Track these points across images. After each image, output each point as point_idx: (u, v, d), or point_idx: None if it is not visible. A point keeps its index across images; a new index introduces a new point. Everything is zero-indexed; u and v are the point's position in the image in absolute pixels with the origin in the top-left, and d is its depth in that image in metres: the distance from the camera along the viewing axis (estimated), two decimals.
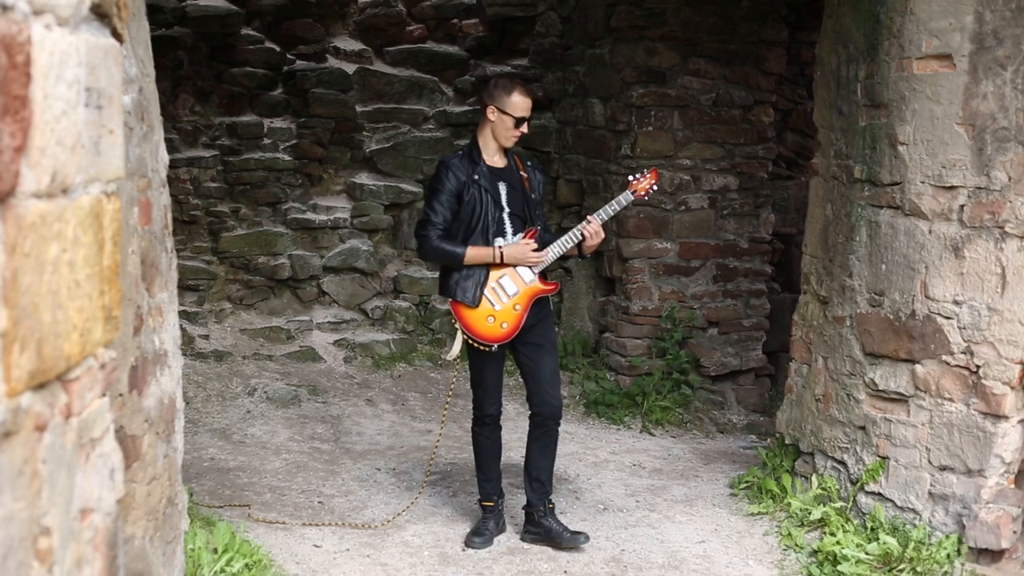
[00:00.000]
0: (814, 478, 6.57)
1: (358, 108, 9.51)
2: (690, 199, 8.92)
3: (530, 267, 5.87)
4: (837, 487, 6.37)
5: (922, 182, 5.83)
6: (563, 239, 5.94)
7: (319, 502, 6.55)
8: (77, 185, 2.20)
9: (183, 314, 7.53)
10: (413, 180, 9.61)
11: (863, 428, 6.25)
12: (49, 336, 2.12)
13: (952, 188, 5.72)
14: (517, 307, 5.84)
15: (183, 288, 7.98)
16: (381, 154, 9.55)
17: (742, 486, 6.99)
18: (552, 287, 6.06)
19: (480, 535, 6.02)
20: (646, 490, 7.08)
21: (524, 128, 5.86)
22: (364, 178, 9.55)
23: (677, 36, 8.72)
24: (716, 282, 9.13)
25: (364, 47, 9.78)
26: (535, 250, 5.85)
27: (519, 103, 5.81)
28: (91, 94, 2.25)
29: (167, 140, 5.00)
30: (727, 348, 9.21)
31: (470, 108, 9.83)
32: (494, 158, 5.91)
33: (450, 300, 5.87)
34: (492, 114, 5.82)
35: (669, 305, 8.96)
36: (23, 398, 2.00)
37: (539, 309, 5.95)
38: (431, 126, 9.76)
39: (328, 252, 9.39)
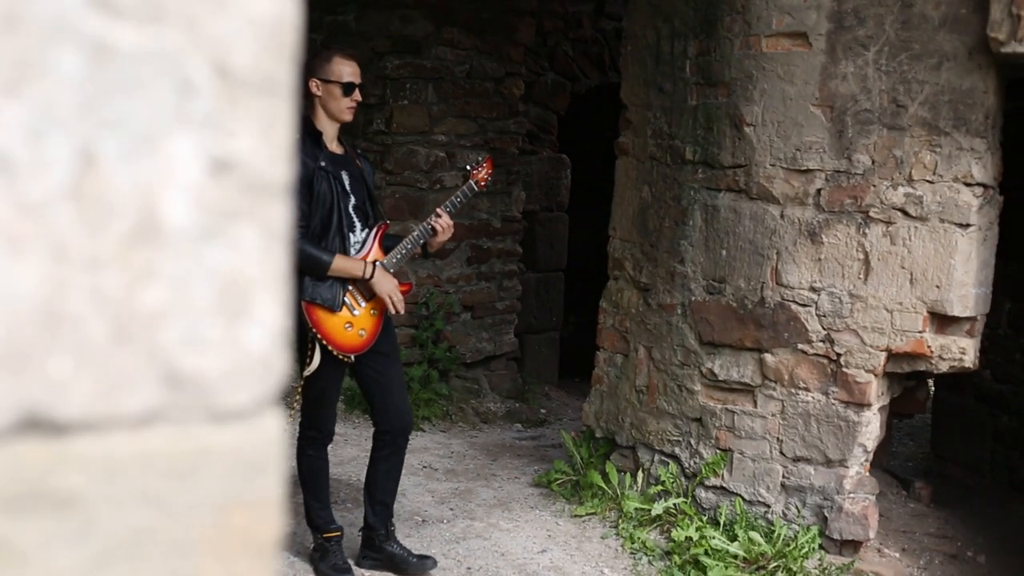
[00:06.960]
0: (640, 474, 6.28)
1: None
2: (445, 177, 8.37)
3: (384, 267, 5.19)
4: (673, 483, 6.10)
5: (772, 165, 5.61)
6: (413, 235, 5.29)
7: None
8: None
9: None
10: None
11: (698, 420, 6.00)
12: None
13: (808, 171, 5.52)
14: (374, 312, 5.15)
15: None
16: None
17: (554, 484, 6.60)
18: (408, 287, 5.44)
19: (349, 571, 5.28)
20: (453, 495, 6.57)
21: (357, 95, 5.10)
22: None
23: (431, 3, 8.14)
24: (470, 264, 8.67)
25: None
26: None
27: (342, 68, 5.01)
28: None
29: None
30: (481, 333, 8.79)
31: None
32: (332, 144, 5.14)
33: (304, 303, 4.97)
34: (316, 88, 4.99)
35: (426, 291, 8.43)
36: None
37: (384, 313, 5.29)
38: None
39: None
